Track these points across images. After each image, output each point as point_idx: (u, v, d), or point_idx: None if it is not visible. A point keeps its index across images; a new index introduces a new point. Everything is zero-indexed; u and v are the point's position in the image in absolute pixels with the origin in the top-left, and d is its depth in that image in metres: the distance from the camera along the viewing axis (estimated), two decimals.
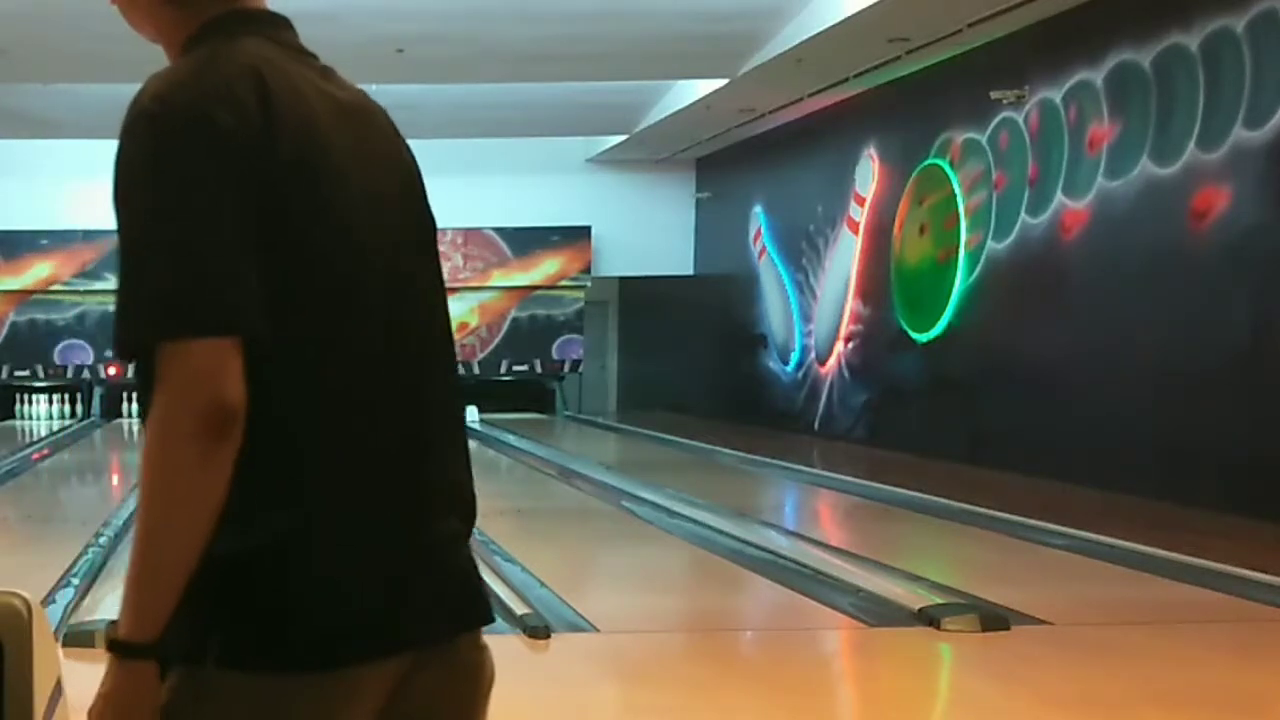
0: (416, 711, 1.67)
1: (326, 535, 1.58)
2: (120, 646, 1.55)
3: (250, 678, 1.56)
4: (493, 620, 1.76)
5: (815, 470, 12.54)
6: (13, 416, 19.11)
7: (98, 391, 19.28)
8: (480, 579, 1.77)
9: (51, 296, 18.53)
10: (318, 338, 1.58)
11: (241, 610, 1.56)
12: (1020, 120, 11.58)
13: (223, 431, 1.49)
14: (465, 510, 1.77)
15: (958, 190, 12.66)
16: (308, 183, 1.56)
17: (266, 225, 1.53)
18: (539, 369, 19.79)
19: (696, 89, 14.51)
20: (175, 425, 1.49)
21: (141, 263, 1.51)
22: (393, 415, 1.64)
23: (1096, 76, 10.50)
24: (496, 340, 19.65)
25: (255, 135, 1.53)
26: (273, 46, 1.63)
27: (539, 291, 19.55)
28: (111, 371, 18.73)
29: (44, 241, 18.51)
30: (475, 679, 1.74)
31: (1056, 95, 11.04)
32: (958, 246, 12.60)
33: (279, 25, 1.68)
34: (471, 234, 19.19)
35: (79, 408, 19.28)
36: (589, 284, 19.64)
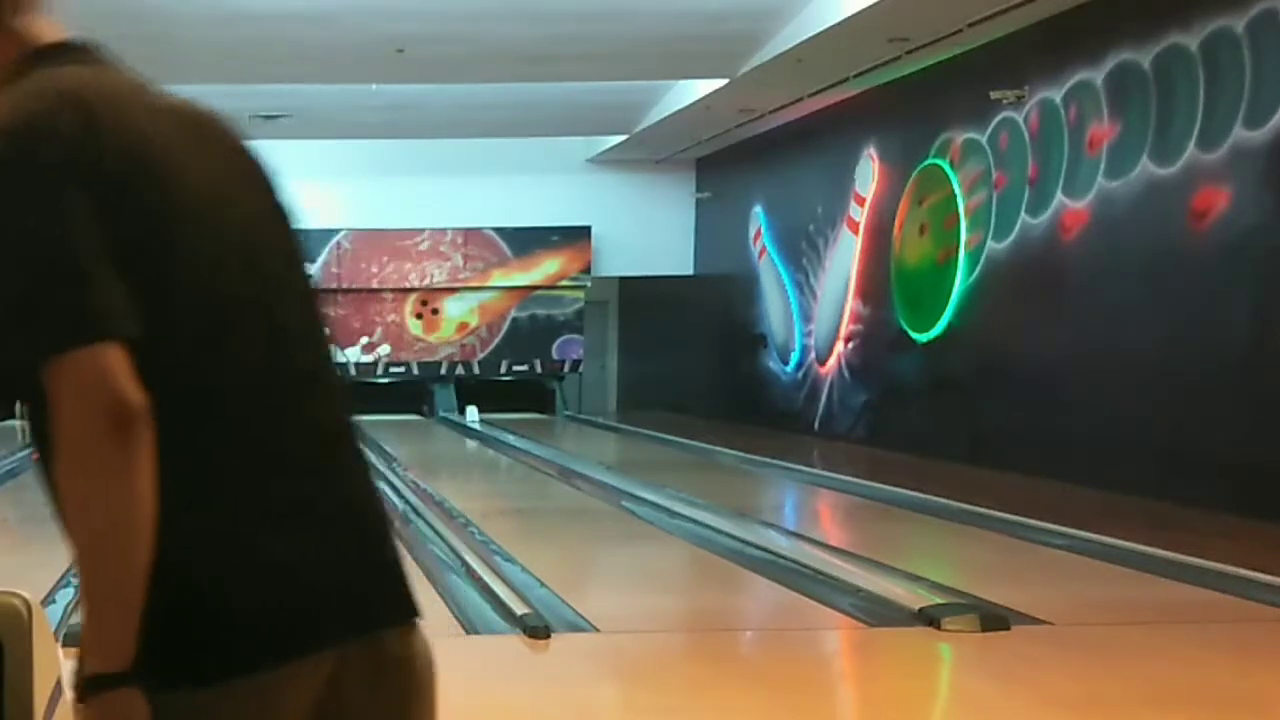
0: (347, 713, 1.64)
1: (229, 541, 1.57)
2: (97, 682, 1.51)
3: (169, 697, 1.53)
4: (418, 614, 1.70)
5: (815, 470, 12.54)
6: (13, 416, 19.10)
7: None
8: (404, 573, 1.71)
9: None
10: (199, 339, 1.57)
11: (147, 628, 1.52)
12: (1020, 120, 11.58)
13: (132, 431, 1.48)
14: (376, 505, 1.72)
15: (958, 190, 12.66)
16: (155, 192, 1.56)
17: (123, 239, 1.52)
18: (539, 369, 19.79)
19: (696, 89, 14.51)
20: (83, 436, 1.47)
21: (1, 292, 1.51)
22: (289, 412, 1.64)
23: (1096, 76, 10.50)
24: (496, 340, 19.66)
25: (89, 155, 1.53)
26: (90, 68, 1.64)
27: (539, 291, 19.55)
28: None
29: None
30: (407, 674, 1.70)
31: (1056, 95, 11.04)
32: (958, 246, 12.60)
33: (88, 49, 1.69)
34: (471, 234, 19.20)
35: None
36: (589, 284, 19.64)
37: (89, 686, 1.51)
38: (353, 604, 1.63)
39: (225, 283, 1.59)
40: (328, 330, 1.74)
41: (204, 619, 1.55)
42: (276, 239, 1.70)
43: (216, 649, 1.55)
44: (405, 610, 1.70)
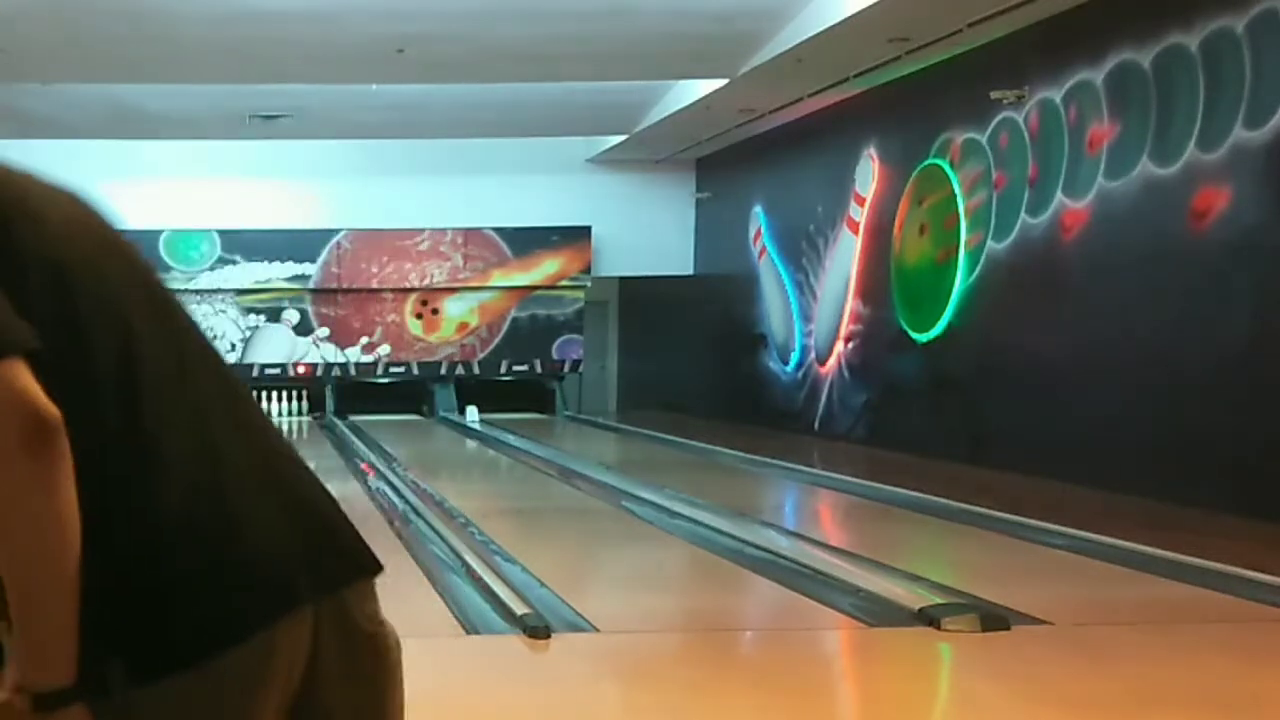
0: (323, 686, 1.65)
1: (195, 521, 1.58)
2: (43, 701, 1.51)
3: (168, 684, 1.54)
4: (381, 568, 1.71)
5: (815, 470, 12.54)
6: None
7: None
8: (357, 532, 1.72)
9: None
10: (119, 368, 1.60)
11: (133, 620, 1.54)
12: (1020, 120, 11.58)
13: (50, 443, 1.49)
14: (309, 475, 1.75)
15: (958, 190, 12.66)
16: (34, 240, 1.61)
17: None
18: (539, 369, 19.79)
19: (696, 89, 14.51)
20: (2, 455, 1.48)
21: None
22: (233, 412, 1.69)
23: (1096, 76, 10.50)
24: (496, 340, 19.66)
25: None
26: None
27: (539, 291, 19.54)
28: None
29: None
30: (380, 654, 1.73)
31: (1056, 95, 11.04)
32: (958, 246, 12.60)
33: None
34: (471, 234, 19.20)
35: None
36: (589, 284, 19.63)
37: (40, 704, 1.51)
38: (323, 558, 1.65)
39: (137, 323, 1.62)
40: (219, 354, 1.77)
41: (186, 597, 1.56)
42: (156, 286, 1.72)
43: (188, 630, 1.55)
44: (368, 563, 1.71)
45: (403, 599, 7.27)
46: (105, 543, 1.54)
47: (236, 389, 1.74)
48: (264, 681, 1.58)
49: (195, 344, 1.71)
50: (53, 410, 1.49)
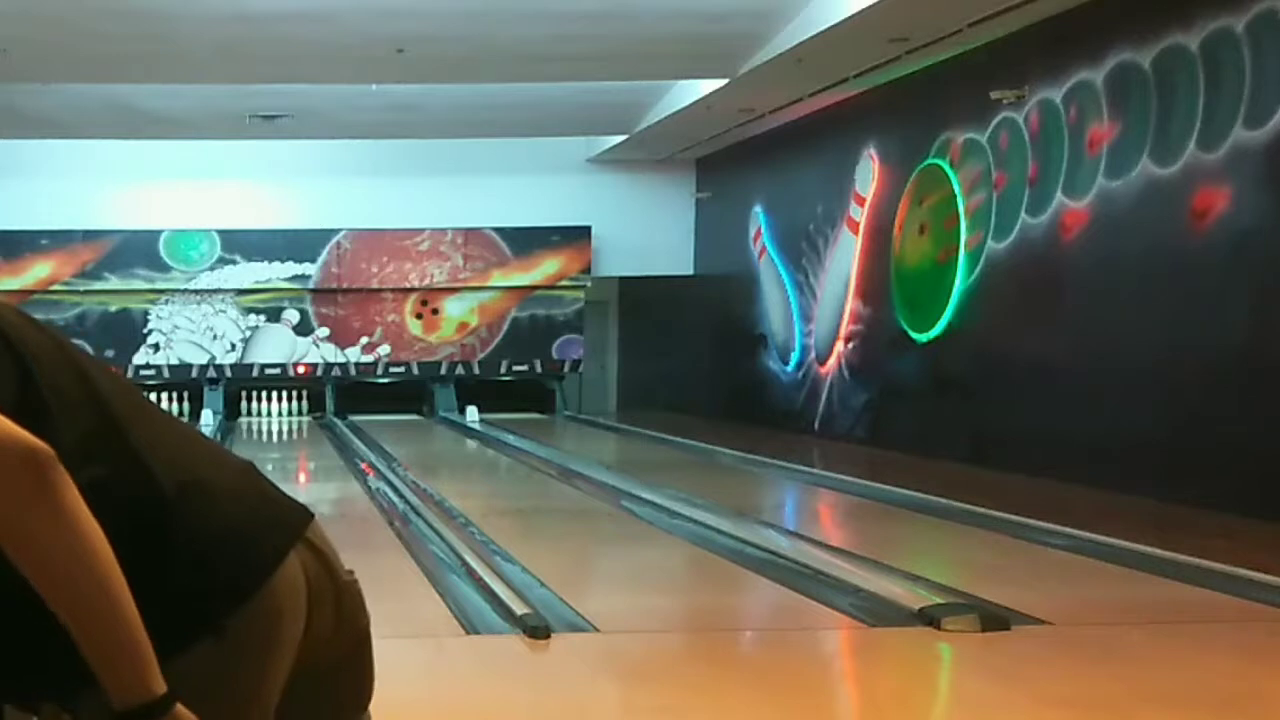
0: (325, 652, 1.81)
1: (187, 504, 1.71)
2: (140, 713, 1.56)
3: (190, 655, 1.64)
4: (311, 514, 1.87)
5: (815, 470, 12.54)
6: None
7: None
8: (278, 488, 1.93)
9: (51, 296, 18.50)
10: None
11: (151, 597, 1.60)
12: (1020, 120, 11.58)
13: (47, 472, 1.54)
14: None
15: (958, 190, 12.66)
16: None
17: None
18: (539, 369, 19.79)
19: (696, 89, 14.51)
20: (3, 496, 1.52)
21: None
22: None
23: (1096, 76, 10.50)
24: (496, 340, 19.65)
25: None
26: None
27: (539, 291, 19.54)
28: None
29: (44, 241, 18.49)
30: (361, 600, 1.90)
31: (1056, 95, 11.04)
32: (958, 246, 12.60)
33: None
34: (471, 234, 19.19)
35: None
36: (589, 284, 19.63)
37: (142, 717, 1.56)
38: (272, 518, 1.81)
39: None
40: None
41: (175, 576, 1.67)
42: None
43: (199, 597, 1.68)
44: (305, 511, 1.88)
45: (403, 599, 7.29)
46: (120, 537, 1.60)
47: (153, 406, 1.89)
48: (277, 641, 1.72)
49: (119, 382, 1.85)
50: (42, 444, 1.54)
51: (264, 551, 1.74)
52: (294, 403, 19.53)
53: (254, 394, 19.44)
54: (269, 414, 19.39)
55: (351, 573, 1.89)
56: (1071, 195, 10.83)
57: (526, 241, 19.23)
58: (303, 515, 1.83)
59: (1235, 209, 9.08)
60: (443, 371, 19.64)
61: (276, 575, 1.73)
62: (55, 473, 1.54)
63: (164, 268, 18.66)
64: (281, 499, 1.85)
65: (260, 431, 18.15)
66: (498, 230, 19.20)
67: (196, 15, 11.30)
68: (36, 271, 18.58)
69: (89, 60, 12.69)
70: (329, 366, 19.40)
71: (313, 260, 19.07)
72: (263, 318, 19.29)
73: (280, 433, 18.26)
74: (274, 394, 19.37)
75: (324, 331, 19.42)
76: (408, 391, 19.60)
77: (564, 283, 19.46)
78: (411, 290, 19.34)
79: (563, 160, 19.00)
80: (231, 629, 1.68)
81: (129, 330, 18.72)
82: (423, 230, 19.13)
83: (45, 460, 1.54)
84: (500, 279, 19.37)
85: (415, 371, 19.64)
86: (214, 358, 19.17)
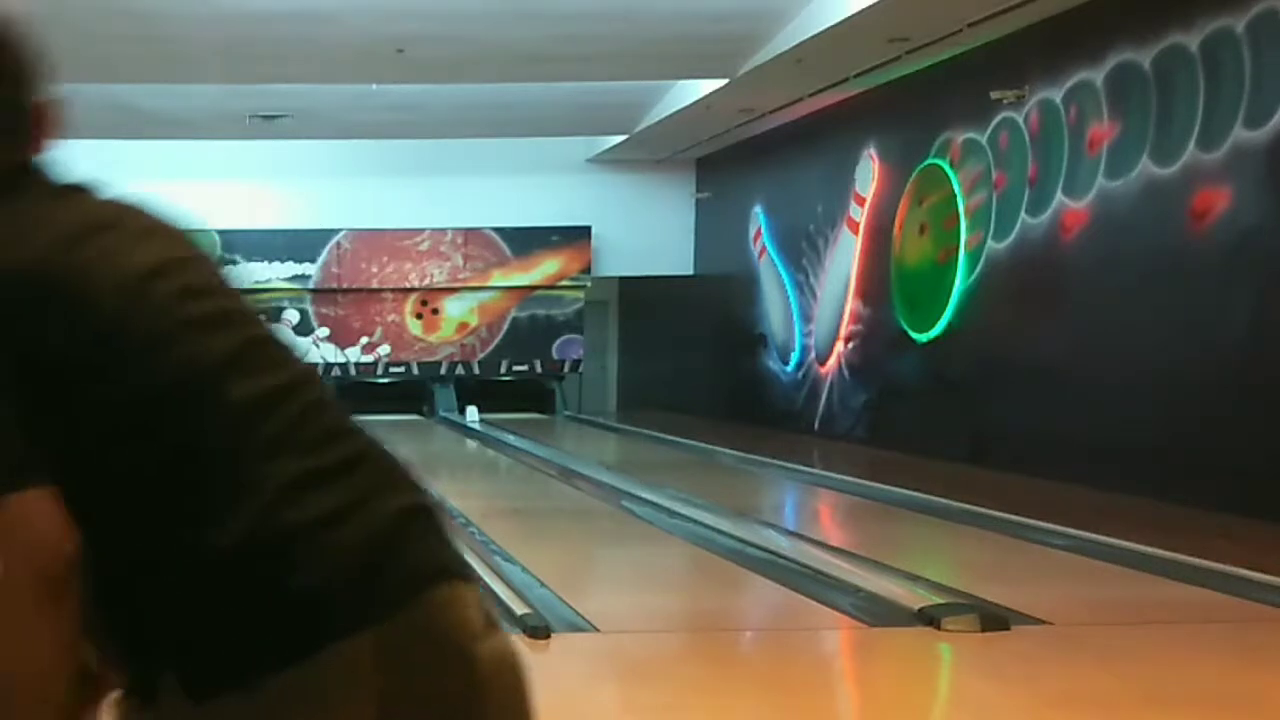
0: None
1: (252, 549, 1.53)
2: None
3: (219, 703, 1.50)
4: (466, 574, 1.62)
5: (815, 470, 12.54)
6: None
7: None
8: (441, 538, 1.64)
9: None
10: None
11: (185, 637, 1.51)
12: (1020, 120, 11.58)
13: (57, 585, 1.47)
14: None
15: (958, 190, 12.66)
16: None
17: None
18: (539, 369, 19.79)
19: (696, 89, 14.51)
20: (6, 586, 1.46)
21: None
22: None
23: (1096, 76, 10.50)
24: (496, 340, 19.66)
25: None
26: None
27: (539, 291, 19.54)
28: None
29: None
30: (471, 669, 1.65)
31: (1056, 95, 11.03)
32: (958, 246, 12.60)
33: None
34: (471, 234, 19.20)
35: None
36: (589, 284, 19.63)
37: None
38: (366, 586, 1.55)
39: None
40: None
41: (217, 623, 1.51)
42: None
43: (236, 652, 1.50)
44: (456, 569, 1.63)
45: None
46: (162, 560, 1.51)
47: (309, 392, 1.68)
48: (323, 705, 1.50)
49: (258, 346, 1.70)
50: (68, 547, 1.46)
51: (332, 615, 1.51)
52: None
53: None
54: None
55: (476, 637, 1.63)
56: (1071, 195, 10.83)
57: (526, 241, 19.23)
58: (406, 592, 1.54)
59: (1235, 209, 9.08)
60: (443, 371, 19.64)
61: (332, 652, 1.50)
62: (64, 589, 1.46)
63: None
64: (393, 560, 1.55)
65: None
66: (498, 230, 19.20)
67: (196, 15, 11.30)
68: None
69: (89, 60, 12.69)
70: (329, 366, 19.40)
71: (313, 260, 19.08)
72: (262, 318, 19.27)
73: None
74: None
75: (324, 331, 19.42)
76: (408, 391, 19.59)
77: (564, 283, 19.46)
78: (411, 290, 19.35)
79: (563, 160, 19.00)
80: (264, 693, 1.48)
81: None
82: (423, 230, 19.13)
83: (61, 574, 1.45)
84: (500, 279, 19.37)
85: (415, 371, 19.65)
86: None
